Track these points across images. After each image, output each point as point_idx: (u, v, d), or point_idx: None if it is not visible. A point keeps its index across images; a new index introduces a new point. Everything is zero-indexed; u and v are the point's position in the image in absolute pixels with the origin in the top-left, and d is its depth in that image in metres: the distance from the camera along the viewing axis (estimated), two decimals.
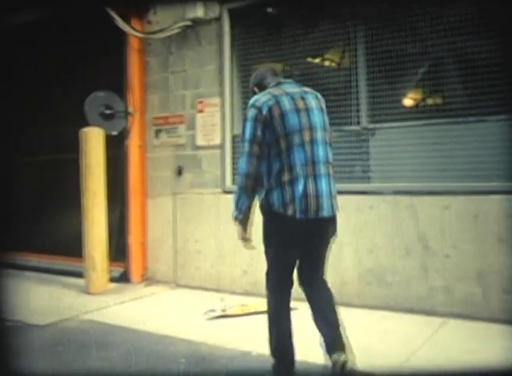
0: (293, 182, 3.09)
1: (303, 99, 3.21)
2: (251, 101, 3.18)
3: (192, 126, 6.09)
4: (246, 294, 5.51)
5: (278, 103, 3.11)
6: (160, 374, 3.59)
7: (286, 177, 3.09)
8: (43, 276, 6.80)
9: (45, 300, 5.64)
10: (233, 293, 5.60)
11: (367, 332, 4.25)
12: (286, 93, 3.18)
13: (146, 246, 6.37)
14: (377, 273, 4.92)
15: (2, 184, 8.19)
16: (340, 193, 5.07)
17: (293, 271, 3.27)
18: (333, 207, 3.22)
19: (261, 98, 3.15)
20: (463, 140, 4.64)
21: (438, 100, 5.03)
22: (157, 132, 6.30)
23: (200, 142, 6.02)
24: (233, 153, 5.84)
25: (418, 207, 4.73)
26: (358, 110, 5.20)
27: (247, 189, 3.11)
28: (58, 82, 7.37)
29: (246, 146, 3.10)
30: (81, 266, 6.11)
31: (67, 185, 6.76)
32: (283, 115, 3.09)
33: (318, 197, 3.13)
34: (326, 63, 5.76)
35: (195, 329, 4.52)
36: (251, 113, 3.11)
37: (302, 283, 3.34)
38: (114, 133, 6.24)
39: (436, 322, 4.42)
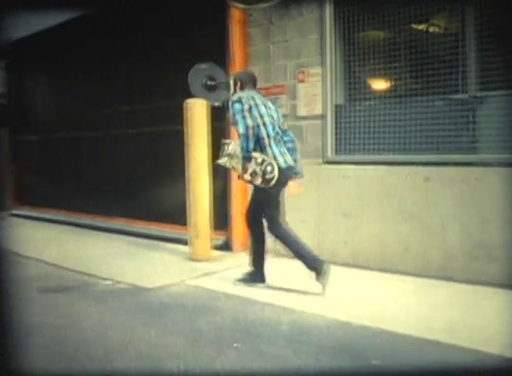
0: None
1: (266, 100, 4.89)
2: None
3: (293, 96, 6.09)
4: (347, 265, 5.53)
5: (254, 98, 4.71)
6: (265, 340, 3.69)
7: None
8: (151, 243, 7.13)
9: (153, 265, 5.92)
10: (334, 264, 5.61)
11: (474, 309, 4.15)
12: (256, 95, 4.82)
13: None
14: (485, 248, 4.76)
15: (115, 155, 8.63)
16: (445, 164, 5.00)
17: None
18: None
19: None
20: None
21: None
22: None
23: (301, 112, 6.02)
24: (335, 123, 5.80)
25: None
26: (464, 78, 4.99)
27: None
28: (163, 55, 7.58)
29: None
30: (185, 234, 6.36)
31: (174, 155, 7.01)
32: (257, 105, 4.64)
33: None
34: (431, 29, 5.54)
35: (295, 297, 4.60)
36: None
37: None
38: (217, 104, 6.35)
39: None
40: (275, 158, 4.59)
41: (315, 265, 4.65)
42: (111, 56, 8.50)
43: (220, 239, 6.51)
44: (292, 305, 4.38)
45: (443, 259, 4.99)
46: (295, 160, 4.85)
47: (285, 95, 6.15)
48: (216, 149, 6.22)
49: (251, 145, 4.59)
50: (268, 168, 4.55)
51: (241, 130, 4.60)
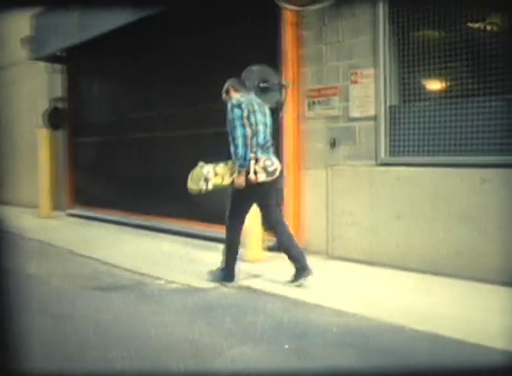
0: None
1: (263, 106, 5.05)
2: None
3: (345, 98, 6.05)
4: (399, 268, 5.45)
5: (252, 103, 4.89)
6: (315, 342, 3.68)
7: None
8: (203, 243, 7.19)
9: (205, 265, 5.94)
10: (385, 266, 5.56)
11: None
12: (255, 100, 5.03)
13: (300, 217, 6.48)
14: None
15: (167, 156, 8.75)
16: (503, 165, 4.86)
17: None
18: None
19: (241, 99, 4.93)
20: None
21: None
22: (311, 104, 6.34)
23: (353, 113, 5.97)
24: (389, 124, 5.73)
25: None
26: None
27: None
28: (215, 57, 7.65)
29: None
30: None
31: (224, 157, 7.04)
32: (255, 111, 4.85)
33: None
34: (488, 28, 5.41)
35: (346, 300, 4.57)
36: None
37: None
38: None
39: None
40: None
41: (230, 274, 5.14)
42: (163, 58, 8.64)
43: (272, 240, 6.49)
44: (342, 307, 4.36)
45: (499, 264, 4.85)
46: None
47: (337, 96, 6.11)
48: None
49: (248, 153, 4.80)
50: (268, 162, 4.82)
51: (240, 139, 4.82)
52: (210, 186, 5.05)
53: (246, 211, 5.15)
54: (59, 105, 11.38)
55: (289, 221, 6.38)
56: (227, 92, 5.21)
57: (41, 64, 11.57)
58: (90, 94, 10.95)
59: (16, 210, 11.93)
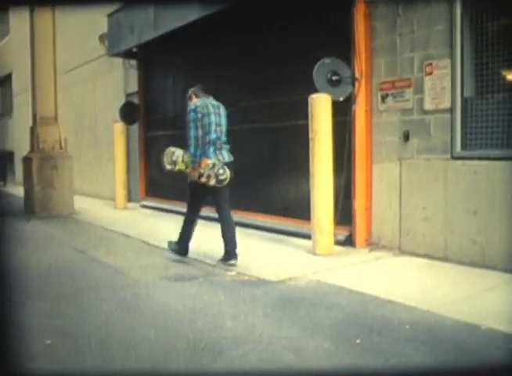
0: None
1: (218, 107, 5.75)
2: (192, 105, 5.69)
3: (419, 90, 5.90)
4: (473, 265, 5.30)
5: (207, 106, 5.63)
6: (387, 338, 3.63)
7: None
8: (272, 236, 7.23)
9: (275, 258, 6.01)
10: (461, 263, 5.42)
11: None
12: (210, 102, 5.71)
13: (370, 211, 6.40)
14: None
15: (238, 149, 8.81)
16: None
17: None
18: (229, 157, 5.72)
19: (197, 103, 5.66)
20: None
21: None
22: (384, 97, 6.23)
23: (427, 106, 5.82)
24: (464, 117, 5.56)
25: None
26: None
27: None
28: (286, 50, 7.65)
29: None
30: (306, 228, 6.39)
31: (297, 150, 7.05)
32: (209, 113, 5.57)
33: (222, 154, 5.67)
34: None
35: (419, 296, 4.47)
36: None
37: None
38: (341, 99, 6.32)
39: None
40: (208, 157, 5.52)
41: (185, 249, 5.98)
42: (234, 53, 8.69)
43: (343, 234, 6.46)
44: (415, 303, 4.27)
45: None
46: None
47: (411, 88, 5.97)
48: (338, 144, 6.22)
49: (198, 151, 5.53)
50: (221, 171, 5.48)
51: (192, 139, 5.56)
52: (176, 169, 5.70)
53: (202, 201, 5.95)
54: (135, 100, 11.69)
55: (359, 214, 6.36)
56: (190, 98, 5.87)
57: (119, 60, 11.94)
58: (161, 89, 11.17)
59: (96, 201, 12.43)
